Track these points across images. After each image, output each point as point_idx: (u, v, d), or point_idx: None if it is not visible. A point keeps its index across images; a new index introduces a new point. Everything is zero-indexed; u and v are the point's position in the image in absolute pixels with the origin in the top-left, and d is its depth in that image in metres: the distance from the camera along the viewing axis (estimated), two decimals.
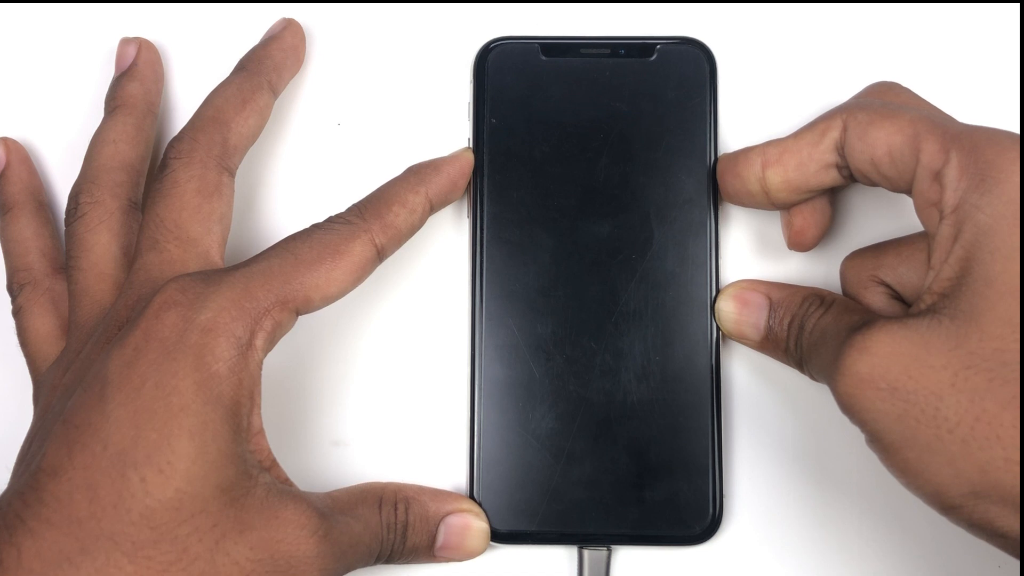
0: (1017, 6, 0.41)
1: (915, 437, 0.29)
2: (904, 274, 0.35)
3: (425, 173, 0.37)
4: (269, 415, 0.35)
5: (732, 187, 0.37)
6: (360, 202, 0.36)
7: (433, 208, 0.37)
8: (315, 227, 0.35)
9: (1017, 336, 0.28)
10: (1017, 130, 0.38)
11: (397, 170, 0.37)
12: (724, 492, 0.38)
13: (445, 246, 0.40)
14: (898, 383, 0.29)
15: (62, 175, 0.42)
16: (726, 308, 0.38)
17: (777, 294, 0.37)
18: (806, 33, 0.41)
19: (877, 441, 0.30)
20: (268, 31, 0.41)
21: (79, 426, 0.30)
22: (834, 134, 0.34)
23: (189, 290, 0.32)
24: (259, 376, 0.32)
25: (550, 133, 0.39)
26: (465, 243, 0.40)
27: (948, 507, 0.29)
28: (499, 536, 0.38)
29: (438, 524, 0.36)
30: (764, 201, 0.37)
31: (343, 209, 0.36)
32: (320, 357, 0.40)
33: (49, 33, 0.43)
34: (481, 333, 0.38)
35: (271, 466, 0.33)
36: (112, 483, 0.29)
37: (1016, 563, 0.38)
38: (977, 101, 0.40)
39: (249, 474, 0.31)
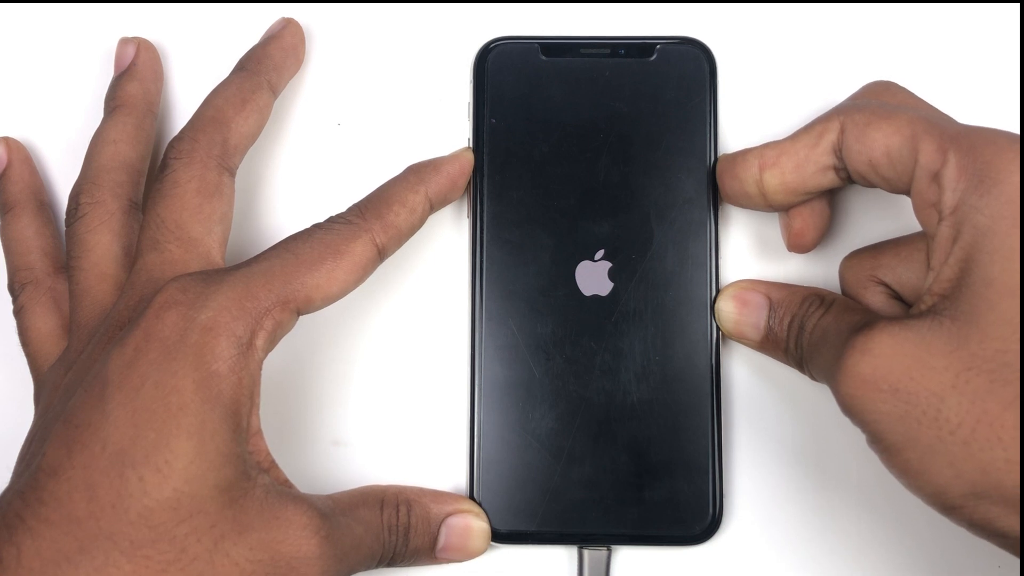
0: (1017, 6, 0.41)
1: (916, 438, 0.29)
2: (903, 274, 0.35)
3: (425, 172, 0.37)
4: (269, 415, 0.35)
5: (730, 189, 0.37)
6: (360, 202, 0.36)
7: (433, 207, 0.37)
8: (316, 227, 0.35)
9: (1018, 337, 0.28)
10: (1017, 130, 0.38)
11: (397, 170, 0.37)
12: (724, 492, 0.38)
13: (445, 246, 0.40)
14: (900, 384, 0.29)
15: (62, 175, 0.42)
16: (726, 308, 0.38)
17: (777, 294, 0.37)
18: (806, 33, 0.41)
19: (878, 442, 0.30)
20: (267, 31, 0.41)
21: (79, 426, 0.30)
22: (831, 136, 0.34)
23: (190, 290, 0.32)
24: (259, 376, 0.32)
25: (550, 133, 0.39)
26: (465, 243, 0.40)
27: (949, 507, 0.29)
28: (499, 536, 0.38)
29: (439, 525, 0.36)
30: (762, 203, 0.37)
31: (343, 209, 0.36)
32: (320, 357, 0.40)
33: (49, 33, 0.43)
34: (481, 333, 0.38)
35: (270, 467, 0.33)
36: (111, 483, 0.29)
37: (1016, 563, 0.38)
38: (977, 101, 0.40)
39: (248, 475, 0.31)
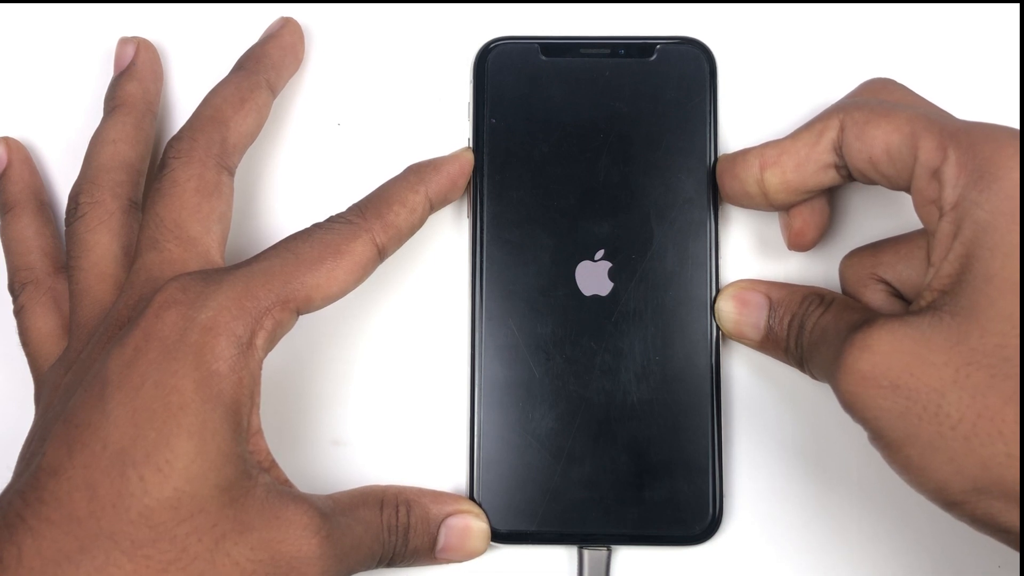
0: (1017, 6, 0.41)
1: (917, 434, 0.29)
2: (903, 271, 0.35)
3: (425, 172, 0.37)
4: (269, 415, 0.35)
5: (731, 188, 0.37)
6: (360, 202, 0.36)
7: (433, 207, 0.37)
8: (316, 227, 0.35)
9: (1018, 332, 0.28)
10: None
11: (397, 170, 0.37)
12: (724, 492, 0.38)
13: (445, 246, 0.40)
14: (900, 380, 0.29)
15: (62, 175, 0.42)
16: (726, 308, 0.38)
17: (777, 293, 0.37)
18: (806, 33, 0.41)
19: (879, 439, 0.30)
20: (266, 30, 0.41)
21: (79, 425, 0.30)
22: (831, 134, 0.34)
23: (190, 289, 0.32)
24: (259, 376, 0.32)
25: (550, 133, 0.39)
26: (465, 243, 0.40)
27: (950, 503, 0.29)
28: (499, 536, 0.38)
29: (439, 526, 0.36)
30: (763, 202, 0.37)
31: (343, 209, 0.36)
32: (320, 357, 0.40)
33: (49, 33, 0.43)
34: (481, 333, 0.38)
35: (270, 467, 0.33)
36: (111, 482, 0.29)
37: (1017, 560, 0.38)
38: (977, 101, 0.40)
39: (249, 474, 0.31)
